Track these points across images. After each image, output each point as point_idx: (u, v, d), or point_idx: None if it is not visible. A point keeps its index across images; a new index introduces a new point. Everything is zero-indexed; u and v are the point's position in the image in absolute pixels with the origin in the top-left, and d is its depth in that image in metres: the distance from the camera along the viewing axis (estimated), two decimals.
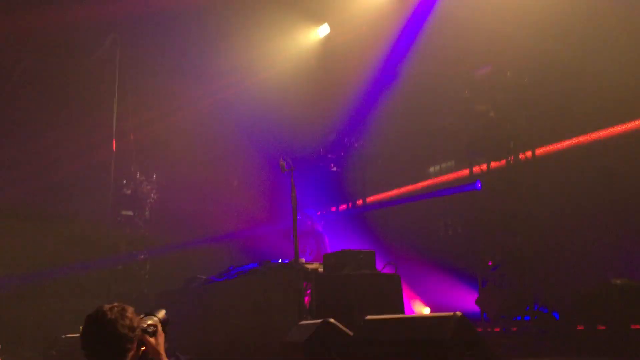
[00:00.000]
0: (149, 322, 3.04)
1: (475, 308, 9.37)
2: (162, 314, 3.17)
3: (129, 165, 12.78)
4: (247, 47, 13.29)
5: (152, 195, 12.64)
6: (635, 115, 8.89)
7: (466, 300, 9.64)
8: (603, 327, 7.65)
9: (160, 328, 3.05)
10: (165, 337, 4.18)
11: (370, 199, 13.59)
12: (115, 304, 2.85)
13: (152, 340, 2.97)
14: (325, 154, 13.05)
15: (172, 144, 13.51)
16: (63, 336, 10.30)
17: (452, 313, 4.82)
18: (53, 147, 13.01)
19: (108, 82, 12.73)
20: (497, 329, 9.44)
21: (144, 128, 13.39)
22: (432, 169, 12.77)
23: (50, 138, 12.95)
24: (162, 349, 3.01)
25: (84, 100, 13.25)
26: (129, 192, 12.50)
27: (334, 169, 12.83)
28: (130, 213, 12.46)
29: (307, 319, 6.63)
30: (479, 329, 8.38)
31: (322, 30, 13.82)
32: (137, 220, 12.49)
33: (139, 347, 2.92)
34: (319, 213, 13.05)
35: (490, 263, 9.46)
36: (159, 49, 13.18)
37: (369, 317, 5.42)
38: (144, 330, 2.96)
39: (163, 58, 13.36)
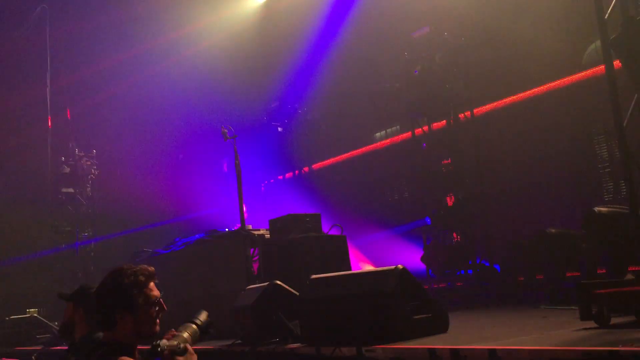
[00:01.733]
0: (183, 336, 2.68)
1: (421, 265, 9.61)
2: (204, 315, 2.87)
3: (67, 142, 12.38)
4: (186, 16, 13.00)
5: (92, 171, 12.31)
6: (566, 72, 9.20)
7: (412, 258, 9.87)
8: (541, 277, 7.98)
9: (190, 349, 2.64)
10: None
11: (317, 166, 13.65)
12: (125, 265, 2.75)
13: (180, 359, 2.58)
14: (269, 121, 12.98)
15: (111, 117, 13.14)
16: (7, 318, 10.08)
17: (393, 267, 4.93)
18: None
19: (39, 56, 12.23)
20: (443, 285, 9.74)
21: (81, 103, 12.96)
22: (378, 134, 12.92)
23: None
24: None
25: (14, 76, 12.71)
26: (68, 169, 12.12)
27: (280, 129, 12.79)
28: (71, 190, 12.12)
29: (255, 284, 6.66)
30: (425, 286, 8.62)
31: None
32: (78, 197, 12.17)
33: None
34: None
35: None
36: (92, 20, 12.70)
37: (313, 276, 5.49)
38: (173, 351, 2.57)
39: (97, 29, 12.89)
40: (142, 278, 2.70)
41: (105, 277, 2.72)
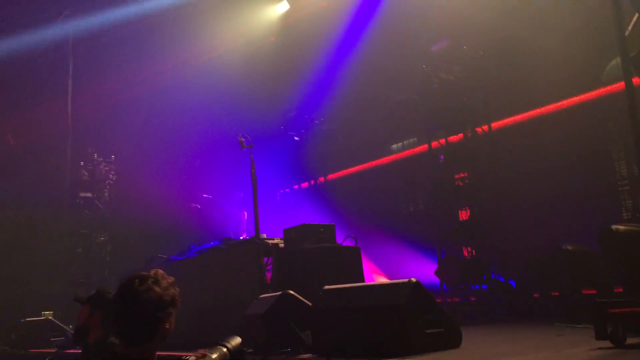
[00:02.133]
0: (212, 357, 2.62)
1: (435, 279, 9.55)
2: (236, 341, 2.75)
3: (86, 147, 12.53)
4: (206, 24, 13.12)
5: (110, 176, 12.43)
6: (586, 88, 9.15)
7: (426, 271, 9.82)
8: (556, 294, 7.90)
9: None
10: None
11: (332, 176, 13.67)
12: (152, 272, 2.53)
13: None
14: (286, 131, 13.04)
15: (130, 124, 13.28)
16: (22, 320, 10.17)
17: (407, 280, 4.91)
18: (6, 128, 12.67)
19: (61, 63, 12.41)
20: (457, 299, 9.67)
21: (101, 109, 13.12)
22: (394, 146, 12.92)
23: (3, 119, 12.61)
24: None
25: (37, 81, 12.90)
26: (87, 174, 12.26)
27: (297, 138, 12.83)
28: (89, 195, 12.25)
29: (268, 293, 6.66)
30: (439, 300, 8.57)
31: (281, 7, 13.72)
32: (96, 202, 12.29)
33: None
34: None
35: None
36: (114, 30, 12.88)
37: (327, 287, 5.48)
38: None
39: (118, 39, 13.06)
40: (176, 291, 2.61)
41: (143, 284, 2.46)
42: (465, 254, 9.59)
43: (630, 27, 5.29)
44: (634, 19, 5.31)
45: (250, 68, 13.00)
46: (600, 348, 4.13)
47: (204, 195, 12.25)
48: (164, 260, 9.21)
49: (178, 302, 2.59)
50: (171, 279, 2.60)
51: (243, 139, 8.39)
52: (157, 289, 2.47)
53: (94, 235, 12.17)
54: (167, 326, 2.50)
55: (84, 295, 4.00)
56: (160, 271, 2.60)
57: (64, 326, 9.77)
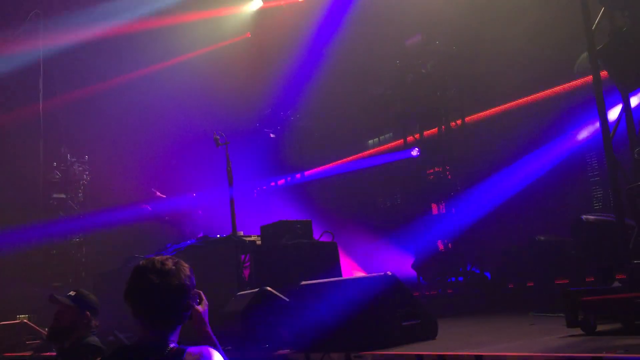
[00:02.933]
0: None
1: (413, 273, 9.64)
2: None
3: (59, 147, 12.35)
4: (180, 20, 13.03)
5: (84, 176, 12.27)
6: (557, 81, 9.30)
7: (403, 265, 9.90)
8: (531, 284, 8.04)
9: (204, 296, 2.69)
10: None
11: (309, 172, 13.68)
12: (167, 256, 2.48)
13: (199, 308, 2.62)
14: (261, 128, 13.01)
15: (104, 123, 13.11)
16: None
17: (383, 273, 4.96)
18: None
19: (31, 60, 12.21)
20: (434, 292, 9.77)
21: (74, 108, 12.94)
22: (370, 142, 12.98)
23: None
24: (207, 319, 2.65)
25: (7, 79, 12.67)
26: (59, 175, 12.09)
27: (272, 135, 12.81)
28: (62, 196, 12.08)
29: (246, 290, 6.67)
30: (416, 293, 8.66)
31: (256, 3, 13.67)
32: (70, 203, 12.13)
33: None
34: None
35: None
36: (86, 29, 12.70)
37: (303, 282, 5.51)
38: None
39: (90, 39, 12.88)
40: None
41: (165, 266, 2.40)
42: (442, 247, 9.69)
43: (597, 20, 5.39)
44: (601, 11, 5.42)
45: (224, 65, 12.94)
46: (571, 335, 4.23)
47: (158, 194, 12.15)
48: (141, 260, 9.14)
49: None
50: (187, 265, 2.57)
51: (218, 137, 8.36)
52: (184, 264, 2.46)
53: (69, 236, 12.01)
54: (191, 304, 2.48)
55: (61, 296, 3.97)
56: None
57: (40, 329, 9.64)
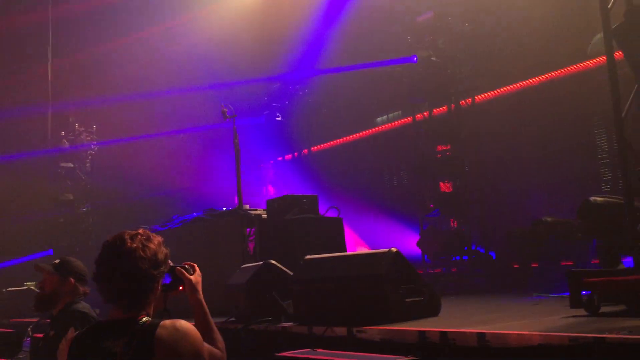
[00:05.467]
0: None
1: (417, 250, 9.66)
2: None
3: (67, 116, 12.37)
4: None
5: (92, 146, 12.31)
6: (570, 61, 9.18)
7: (408, 243, 9.92)
8: (536, 265, 8.03)
9: (197, 268, 2.78)
10: None
11: (316, 148, 13.65)
12: (140, 230, 2.40)
13: (192, 278, 2.69)
14: (270, 102, 12.95)
15: (112, 93, 13.09)
16: (5, 290, 10.15)
17: (387, 249, 4.95)
18: None
19: (40, 30, 12.19)
20: (438, 270, 9.80)
21: (82, 77, 12.92)
22: (379, 119, 12.91)
23: None
24: (200, 288, 2.72)
25: (17, 46, 12.65)
26: (67, 144, 12.13)
27: (279, 118, 12.76)
28: (70, 165, 12.13)
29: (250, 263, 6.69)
30: (420, 271, 8.67)
31: None
32: (77, 172, 12.18)
33: (172, 286, 2.61)
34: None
35: (431, 205, 9.70)
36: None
37: (308, 256, 5.51)
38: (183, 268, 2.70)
39: (99, 8, 12.80)
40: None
41: (135, 241, 2.36)
42: (447, 225, 9.69)
43: (612, 0, 5.28)
44: None
45: (234, 38, 12.84)
46: (574, 316, 4.22)
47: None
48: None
49: (169, 261, 2.56)
50: (160, 238, 2.53)
51: (226, 110, 8.32)
52: (151, 245, 2.40)
53: (77, 205, 12.09)
54: (158, 286, 2.46)
55: (47, 265, 3.97)
56: (147, 230, 2.51)
57: None
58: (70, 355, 2.35)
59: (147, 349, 2.20)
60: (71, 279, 3.83)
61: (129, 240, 2.34)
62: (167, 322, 2.30)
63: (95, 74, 13.02)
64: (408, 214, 10.64)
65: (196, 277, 2.76)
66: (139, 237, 2.38)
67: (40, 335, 4.30)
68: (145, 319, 2.32)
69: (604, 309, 4.31)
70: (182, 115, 13.67)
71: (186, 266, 2.76)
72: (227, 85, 12.19)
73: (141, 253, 2.33)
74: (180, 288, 2.67)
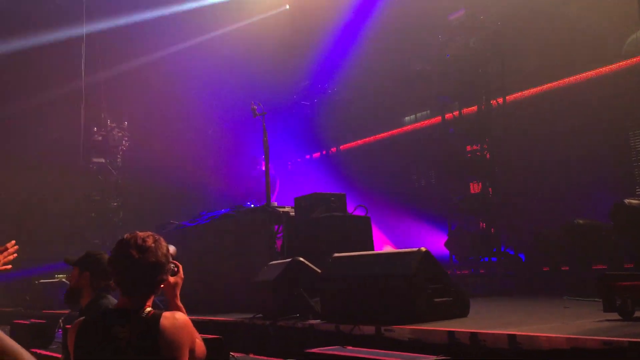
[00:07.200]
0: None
1: (445, 251, 9.57)
2: (172, 249, 2.90)
3: (100, 112, 12.58)
4: None
5: (123, 142, 12.49)
6: (604, 62, 9.00)
7: (436, 243, 9.83)
8: (566, 268, 7.89)
9: (181, 269, 2.91)
10: None
11: (344, 147, 13.64)
12: (149, 232, 2.68)
13: (172, 279, 2.83)
14: (298, 100, 12.98)
15: (143, 91, 13.27)
16: (37, 282, 10.36)
17: (416, 249, 4.93)
18: (18, 93, 12.72)
19: (75, 27, 12.40)
20: (466, 271, 9.70)
21: (114, 75, 13.12)
22: (407, 118, 12.84)
23: (14, 83, 12.65)
24: (178, 291, 2.88)
25: (51, 47, 12.90)
26: (99, 139, 12.34)
27: (306, 103, 12.78)
28: (102, 160, 12.34)
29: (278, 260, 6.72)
30: (448, 272, 8.58)
31: None
32: (109, 168, 12.38)
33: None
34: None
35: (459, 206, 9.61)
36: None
37: (336, 254, 5.51)
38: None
39: (132, 5, 12.98)
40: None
41: (147, 240, 2.62)
42: (476, 226, 9.58)
43: None
44: None
45: (264, 36, 12.90)
46: (608, 320, 4.14)
47: None
48: (175, 226, 9.30)
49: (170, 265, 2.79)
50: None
51: (255, 107, 8.37)
52: (162, 242, 2.68)
53: (107, 200, 12.28)
54: (165, 278, 2.72)
55: (74, 258, 4.03)
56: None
57: None
58: (78, 338, 2.53)
59: (152, 336, 2.43)
60: (87, 272, 3.86)
61: (142, 238, 2.63)
62: (168, 313, 2.54)
63: (127, 68, 13.21)
64: (436, 214, 10.55)
65: (176, 279, 2.88)
66: (151, 236, 2.66)
67: None
68: (148, 309, 2.56)
69: (638, 314, 4.22)
70: (211, 112, 13.79)
71: (171, 265, 2.80)
72: (256, 84, 12.24)
73: (154, 249, 2.61)
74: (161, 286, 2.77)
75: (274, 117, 10.28)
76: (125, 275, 2.59)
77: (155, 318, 2.47)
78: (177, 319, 2.51)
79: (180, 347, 2.47)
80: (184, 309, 2.84)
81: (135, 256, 2.55)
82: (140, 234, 2.65)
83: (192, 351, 2.55)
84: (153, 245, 2.61)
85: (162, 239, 2.69)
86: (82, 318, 2.66)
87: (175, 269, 2.87)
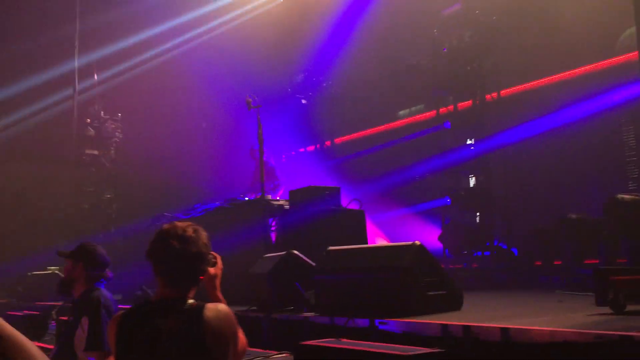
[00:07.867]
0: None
1: (438, 245, 9.61)
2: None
3: (93, 104, 12.51)
4: None
5: (117, 134, 12.44)
6: (598, 57, 9.03)
7: (430, 237, 9.87)
8: (559, 262, 7.94)
9: (219, 260, 2.80)
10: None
11: (339, 140, 13.64)
12: (188, 222, 2.61)
13: (212, 270, 2.72)
14: (293, 94, 12.96)
15: (137, 83, 13.21)
16: (29, 273, 10.31)
17: (411, 242, 4.95)
18: (12, 82, 12.62)
19: (67, 17, 12.32)
20: (459, 265, 9.74)
21: (108, 66, 13.05)
22: (401, 112, 12.85)
23: (10, 72, 12.54)
24: (219, 282, 2.78)
25: (45, 37, 12.80)
26: (93, 131, 12.28)
27: (304, 101, 12.75)
28: (95, 152, 12.28)
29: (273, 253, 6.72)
30: (441, 265, 8.62)
31: None
32: (102, 160, 12.33)
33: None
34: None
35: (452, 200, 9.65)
36: None
37: (331, 247, 5.53)
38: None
39: None
40: None
41: (188, 230, 2.55)
42: (469, 220, 9.62)
43: None
44: None
45: (258, 30, 12.86)
46: (600, 314, 4.18)
47: None
48: (169, 219, 9.28)
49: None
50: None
51: (250, 100, 8.35)
52: (202, 232, 2.60)
53: (100, 192, 12.24)
54: (205, 269, 2.65)
55: (67, 251, 4.02)
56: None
57: None
58: (120, 331, 2.45)
59: (196, 329, 2.36)
60: (81, 264, 3.85)
61: (183, 228, 2.55)
62: (211, 305, 2.45)
63: (121, 59, 13.12)
64: (430, 208, 10.58)
65: (216, 270, 2.77)
66: (190, 226, 2.58)
67: (65, 319, 4.36)
68: (191, 300, 2.48)
69: (629, 308, 4.26)
70: (205, 105, 13.74)
71: (210, 256, 2.73)
72: (251, 77, 12.20)
73: (195, 239, 2.54)
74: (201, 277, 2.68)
75: (269, 110, 10.26)
76: (166, 267, 2.52)
77: (198, 309, 2.40)
78: (220, 310, 2.44)
79: (224, 339, 2.40)
80: (225, 301, 2.76)
81: (176, 247, 2.48)
82: (179, 224, 2.57)
83: (234, 344, 2.47)
84: (194, 234, 2.54)
85: (200, 229, 2.61)
86: (122, 311, 2.59)
87: (214, 260, 2.76)
